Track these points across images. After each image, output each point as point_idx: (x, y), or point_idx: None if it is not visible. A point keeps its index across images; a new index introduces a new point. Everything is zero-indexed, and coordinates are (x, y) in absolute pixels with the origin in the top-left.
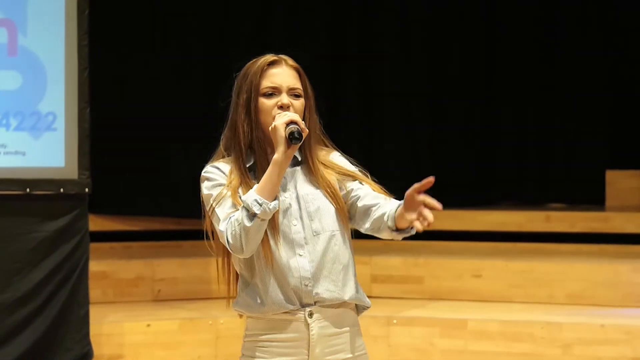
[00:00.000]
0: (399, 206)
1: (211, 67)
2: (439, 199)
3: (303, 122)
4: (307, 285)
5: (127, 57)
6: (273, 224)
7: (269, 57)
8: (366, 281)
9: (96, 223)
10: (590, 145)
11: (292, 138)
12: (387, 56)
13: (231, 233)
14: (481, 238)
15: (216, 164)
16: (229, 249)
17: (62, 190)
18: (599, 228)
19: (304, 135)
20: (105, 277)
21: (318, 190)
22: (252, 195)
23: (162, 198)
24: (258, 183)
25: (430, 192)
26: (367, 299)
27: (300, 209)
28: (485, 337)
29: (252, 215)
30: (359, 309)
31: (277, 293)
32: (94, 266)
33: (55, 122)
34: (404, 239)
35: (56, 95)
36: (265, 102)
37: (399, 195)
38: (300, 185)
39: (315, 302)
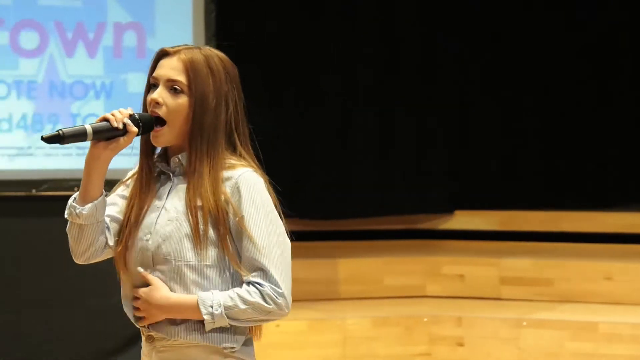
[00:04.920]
0: None
1: None
2: (569, 200)
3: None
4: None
5: None
6: (135, 225)
7: (164, 49)
8: (495, 283)
9: None
10: None
11: (60, 136)
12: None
13: None
14: (611, 240)
15: None
16: None
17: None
18: None
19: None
20: None
21: (182, 210)
22: (73, 196)
23: None
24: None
25: (562, 193)
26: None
27: (156, 224)
28: (616, 341)
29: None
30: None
31: (126, 301)
32: None
33: None
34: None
35: None
36: (146, 97)
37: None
38: (172, 197)
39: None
